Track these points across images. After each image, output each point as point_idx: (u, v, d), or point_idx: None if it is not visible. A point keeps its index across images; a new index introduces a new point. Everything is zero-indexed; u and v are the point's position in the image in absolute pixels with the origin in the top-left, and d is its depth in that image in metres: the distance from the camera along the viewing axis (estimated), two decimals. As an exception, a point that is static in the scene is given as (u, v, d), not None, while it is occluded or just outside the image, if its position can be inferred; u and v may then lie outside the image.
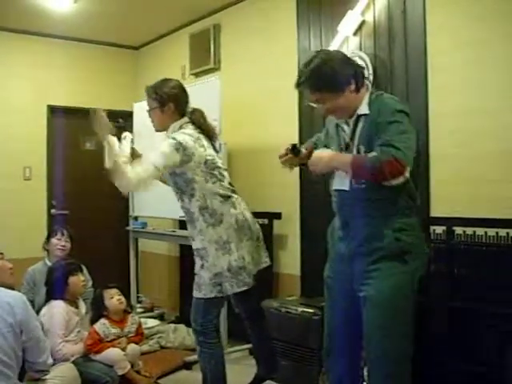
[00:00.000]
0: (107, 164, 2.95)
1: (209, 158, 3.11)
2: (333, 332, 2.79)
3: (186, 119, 3.20)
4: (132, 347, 3.94)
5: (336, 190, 2.69)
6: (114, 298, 3.92)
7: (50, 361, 3.15)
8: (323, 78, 2.51)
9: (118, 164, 2.90)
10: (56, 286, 3.87)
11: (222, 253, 3.07)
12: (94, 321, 3.89)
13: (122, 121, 6.52)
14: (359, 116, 2.57)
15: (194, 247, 3.17)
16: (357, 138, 2.57)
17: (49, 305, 3.81)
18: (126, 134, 3.21)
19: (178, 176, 3.09)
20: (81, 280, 3.95)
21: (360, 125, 2.57)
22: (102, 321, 3.86)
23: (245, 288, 3.14)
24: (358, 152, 2.56)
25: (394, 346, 2.50)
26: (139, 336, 4.08)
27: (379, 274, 2.52)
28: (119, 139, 3.10)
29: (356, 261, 2.61)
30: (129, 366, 3.80)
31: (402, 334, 2.52)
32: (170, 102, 3.16)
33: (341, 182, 2.63)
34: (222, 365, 3.23)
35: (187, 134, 3.07)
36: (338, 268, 2.73)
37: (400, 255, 2.53)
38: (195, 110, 3.26)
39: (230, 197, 3.15)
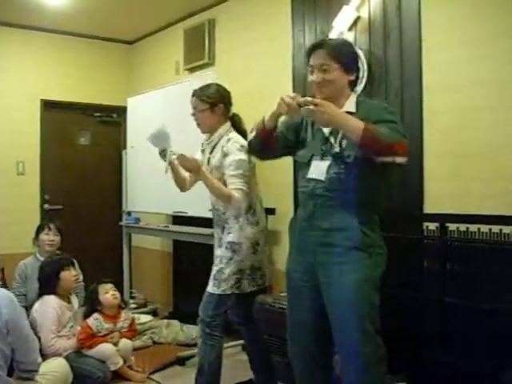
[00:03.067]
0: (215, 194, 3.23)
1: (254, 161, 3.30)
2: (298, 322, 2.76)
3: (229, 123, 3.38)
4: (124, 342, 3.94)
5: (310, 179, 2.66)
6: (108, 293, 3.93)
7: (39, 360, 3.13)
8: (346, 51, 2.62)
9: (220, 190, 3.16)
10: (48, 281, 3.88)
11: (252, 251, 3.28)
12: (87, 315, 3.89)
13: (115, 116, 6.57)
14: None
15: (229, 240, 3.26)
16: (340, 134, 2.57)
17: (41, 300, 3.81)
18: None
19: (248, 182, 3.26)
20: (72, 275, 3.95)
21: None
22: (96, 315, 3.86)
23: (256, 288, 3.35)
24: (340, 145, 2.57)
25: (368, 337, 2.49)
26: (132, 332, 4.08)
27: (346, 267, 2.52)
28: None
29: (320, 252, 2.60)
30: (121, 362, 3.81)
31: (373, 325, 2.51)
32: (220, 103, 3.33)
33: (318, 172, 2.62)
34: (220, 359, 3.33)
35: (242, 138, 3.29)
36: (300, 259, 2.72)
37: (365, 249, 2.54)
38: (235, 115, 3.43)
39: (261, 201, 3.42)
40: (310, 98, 2.48)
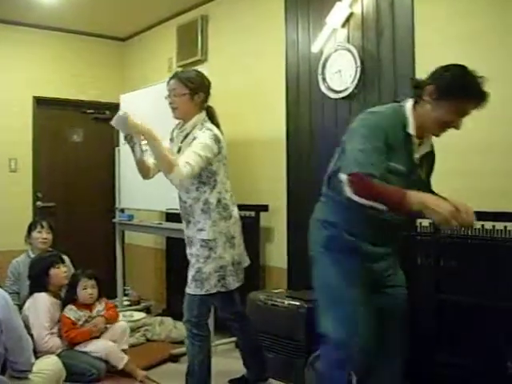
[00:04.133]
0: (153, 158, 3.06)
1: (226, 154, 3.19)
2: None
3: (204, 114, 3.23)
4: (120, 325, 3.96)
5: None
6: (86, 290, 3.91)
7: (33, 360, 3.12)
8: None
9: (166, 157, 2.90)
10: (38, 279, 3.87)
11: (229, 246, 3.17)
12: (65, 304, 3.89)
13: (108, 113, 6.54)
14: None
15: (202, 237, 3.15)
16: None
17: (32, 298, 3.81)
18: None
19: (203, 167, 3.07)
20: (62, 271, 3.94)
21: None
22: (69, 306, 3.87)
23: (240, 284, 3.25)
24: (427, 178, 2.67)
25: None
26: (111, 310, 4.07)
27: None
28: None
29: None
30: (126, 358, 3.79)
31: None
32: (201, 91, 3.19)
33: None
34: (209, 358, 3.28)
35: (216, 129, 3.16)
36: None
37: None
38: (209, 107, 3.30)
39: (232, 194, 3.27)
40: None
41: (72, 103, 6.32)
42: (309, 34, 4.22)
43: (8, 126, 5.86)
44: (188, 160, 2.91)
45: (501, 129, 3.12)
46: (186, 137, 3.18)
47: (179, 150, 3.18)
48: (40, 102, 6.10)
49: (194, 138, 3.07)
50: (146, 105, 5.25)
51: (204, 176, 3.11)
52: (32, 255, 4.31)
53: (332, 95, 4.02)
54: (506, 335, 2.93)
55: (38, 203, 6.09)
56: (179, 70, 3.31)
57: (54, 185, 6.21)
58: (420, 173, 2.59)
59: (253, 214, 4.58)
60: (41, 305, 3.75)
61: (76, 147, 6.49)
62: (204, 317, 3.22)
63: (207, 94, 3.25)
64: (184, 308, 3.24)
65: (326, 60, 4.05)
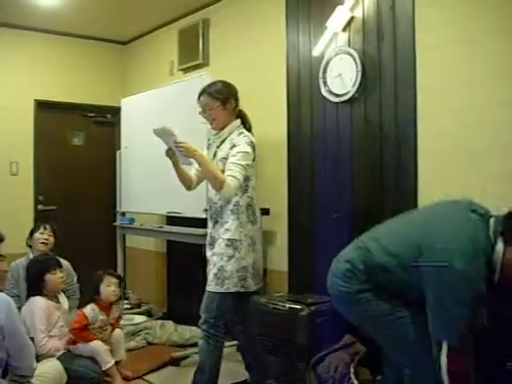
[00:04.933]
0: (203, 175, 3.32)
1: (256, 163, 3.33)
2: None
3: (239, 120, 3.38)
4: (116, 332, 3.96)
5: None
6: (111, 287, 3.91)
7: (35, 365, 3.11)
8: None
9: (215, 176, 3.11)
10: (33, 284, 3.87)
11: (252, 249, 3.29)
12: (88, 301, 3.88)
13: (109, 116, 6.55)
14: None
15: (228, 237, 3.24)
16: None
17: (28, 302, 3.80)
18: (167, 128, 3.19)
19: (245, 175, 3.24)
20: (59, 277, 3.92)
21: None
22: (92, 306, 3.85)
23: (257, 287, 3.37)
24: None
25: None
26: (115, 322, 4.08)
27: None
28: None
29: None
30: (112, 362, 3.78)
31: None
32: (231, 99, 3.35)
33: None
34: (221, 360, 3.33)
35: (250, 134, 3.31)
36: None
37: None
38: (240, 110, 3.44)
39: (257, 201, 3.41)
40: None
41: (73, 106, 6.32)
42: (310, 38, 4.23)
43: (9, 130, 5.86)
44: (234, 174, 3.11)
45: (501, 132, 3.11)
46: (222, 142, 3.33)
47: (215, 155, 3.34)
48: (41, 106, 6.11)
49: (234, 145, 3.23)
50: (147, 108, 5.27)
51: None
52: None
53: (333, 99, 4.02)
54: (504, 337, 2.92)
55: (39, 206, 6.09)
56: (206, 84, 3.46)
57: (55, 188, 6.22)
58: None
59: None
60: (36, 308, 3.73)
61: (77, 151, 6.49)
62: (221, 317, 3.25)
63: (237, 99, 3.41)
64: (202, 309, 3.28)
65: (326, 64, 4.05)
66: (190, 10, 5.52)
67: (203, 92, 3.35)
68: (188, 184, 3.51)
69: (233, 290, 3.20)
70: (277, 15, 4.53)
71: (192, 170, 3.46)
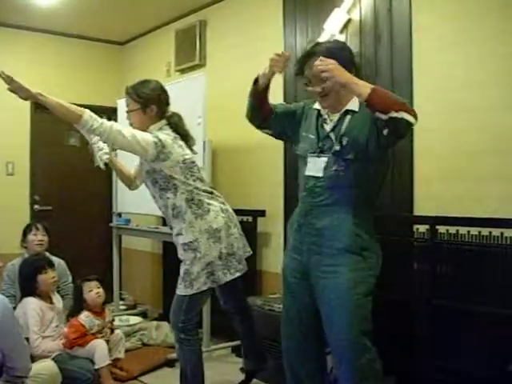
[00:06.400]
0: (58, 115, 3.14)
1: (186, 156, 3.15)
2: (291, 319, 2.77)
3: (164, 122, 3.21)
4: (115, 333, 3.96)
5: (309, 177, 2.67)
6: (92, 291, 3.90)
7: (30, 366, 3.11)
8: (339, 56, 2.50)
9: (69, 108, 3.10)
10: (26, 285, 3.86)
11: (213, 241, 3.11)
12: (74, 313, 3.86)
13: (105, 117, 6.53)
14: (347, 111, 2.59)
15: (183, 241, 3.15)
16: (343, 130, 2.57)
17: (21, 303, 3.79)
18: None
19: (156, 173, 3.11)
20: (50, 277, 3.91)
21: (347, 119, 2.58)
22: (86, 313, 3.84)
23: (237, 275, 3.19)
24: (341, 143, 2.56)
25: (353, 341, 2.50)
26: (111, 323, 4.09)
27: (338, 269, 2.53)
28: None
29: (314, 251, 2.61)
30: (107, 362, 3.77)
31: (361, 328, 2.51)
32: (153, 104, 3.17)
33: (315, 169, 2.63)
34: (201, 361, 3.26)
35: (165, 134, 3.11)
36: (295, 257, 2.73)
37: (358, 251, 2.55)
38: (174, 114, 3.27)
39: (211, 192, 3.24)
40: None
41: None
42: (307, 40, 4.23)
43: (5, 130, 5.86)
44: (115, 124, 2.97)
45: (496, 134, 3.12)
46: None
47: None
48: (38, 106, 6.04)
49: None
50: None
51: (161, 182, 3.13)
52: (28, 258, 4.30)
53: (330, 100, 4.01)
54: (503, 340, 2.93)
55: (35, 207, 6.09)
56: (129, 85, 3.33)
57: (51, 188, 6.21)
58: None
59: (250, 218, 4.58)
60: (29, 310, 3.72)
61: (73, 151, 6.47)
62: (191, 321, 3.17)
63: (162, 105, 3.21)
64: (171, 313, 3.22)
65: (323, 65, 4.05)
66: (187, 11, 5.53)
67: (126, 91, 3.24)
68: (128, 183, 3.45)
69: (204, 288, 3.11)
70: (274, 17, 4.54)
71: (132, 169, 3.34)
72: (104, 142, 3.15)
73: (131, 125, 3.22)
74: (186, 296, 3.13)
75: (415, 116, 2.35)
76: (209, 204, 3.16)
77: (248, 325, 3.53)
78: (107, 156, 3.34)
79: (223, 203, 3.27)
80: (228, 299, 3.45)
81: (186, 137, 3.24)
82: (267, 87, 2.73)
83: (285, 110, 2.87)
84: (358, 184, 2.54)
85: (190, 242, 3.12)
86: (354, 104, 2.59)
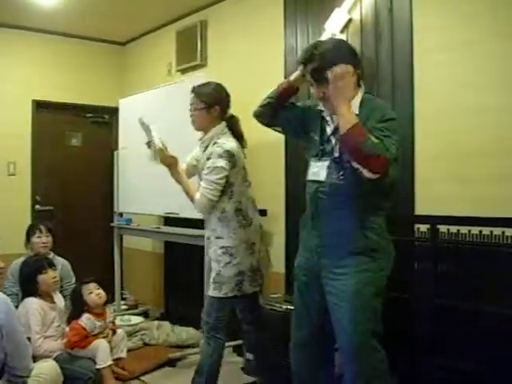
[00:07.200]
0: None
1: (245, 164, 3.32)
2: (300, 319, 2.80)
3: (224, 124, 3.35)
4: (118, 333, 3.97)
5: (311, 181, 2.69)
6: (92, 293, 3.91)
7: (31, 366, 3.11)
8: (333, 60, 2.50)
9: (188, 191, 3.22)
10: (27, 285, 3.87)
11: (250, 253, 3.29)
12: (74, 316, 3.87)
13: (107, 117, 6.55)
14: None
15: (223, 245, 3.27)
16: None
17: (23, 303, 3.79)
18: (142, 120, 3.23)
19: (221, 187, 3.22)
20: (51, 277, 3.92)
21: None
22: (87, 315, 3.85)
23: (257, 289, 3.37)
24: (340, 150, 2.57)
25: (363, 342, 2.51)
26: (113, 323, 4.09)
27: (347, 270, 2.54)
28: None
29: (323, 254, 2.63)
30: (109, 362, 3.77)
31: (370, 330, 2.53)
32: (217, 105, 3.32)
33: (317, 173, 2.64)
34: (220, 362, 3.35)
35: (232, 142, 3.27)
36: (307, 257, 2.74)
37: (367, 252, 2.55)
38: (232, 117, 3.42)
39: (254, 201, 3.40)
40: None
41: (71, 107, 6.32)
42: (308, 40, 4.23)
43: (7, 130, 5.85)
44: (202, 191, 3.14)
45: (497, 134, 3.12)
46: (205, 149, 3.32)
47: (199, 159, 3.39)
48: (39, 106, 6.11)
49: (208, 157, 3.22)
50: (144, 109, 5.26)
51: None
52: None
53: (331, 100, 4.02)
54: (504, 339, 2.93)
55: (37, 207, 6.09)
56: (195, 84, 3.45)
57: (52, 188, 6.21)
58: None
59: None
60: (30, 309, 3.73)
61: (75, 151, 6.49)
62: (221, 320, 3.29)
63: (224, 106, 3.37)
64: (203, 310, 3.34)
65: (324, 65, 4.05)
66: (188, 11, 5.53)
67: (192, 90, 3.37)
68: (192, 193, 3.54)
69: (231, 294, 3.24)
70: (275, 17, 4.54)
71: (184, 165, 3.45)
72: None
73: (193, 122, 3.36)
74: (215, 298, 3.25)
75: (379, 170, 2.37)
76: (252, 218, 3.33)
77: (256, 337, 3.58)
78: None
79: (259, 217, 3.45)
80: (246, 309, 3.52)
81: (240, 138, 3.38)
82: (297, 89, 2.77)
83: (298, 109, 2.89)
84: (361, 194, 2.52)
85: (230, 246, 3.25)
86: (354, 107, 2.57)
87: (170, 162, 3.20)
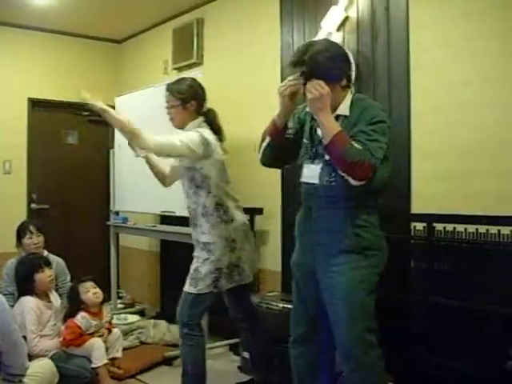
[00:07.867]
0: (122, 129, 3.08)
1: (223, 159, 3.28)
2: (302, 318, 2.80)
3: (202, 118, 3.32)
4: (113, 332, 3.96)
5: (303, 183, 2.72)
6: (89, 292, 3.90)
7: (27, 365, 3.10)
8: (322, 64, 2.50)
9: (132, 129, 3.00)
10: (23, 284, 3.86)
11: (229, 249, 3.23)
12: (70, 315, 3.86)
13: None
14: (337, 116, 2.58)
15: (202, 240, 3.25)
16: None
17: (18, 302, 3.79)
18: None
19: (196, 171, 3.20)
20: (47, 275, 3.91)
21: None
22: (82, 314, 3.84)
23: (233, 285, 3.27)
24: None
25: (359, 338, 2.52)
26: (110, 324, 4.09)
27: (340, 268, 2.55)
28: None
29: (318, 252, 2.64)
30: (105, 361, 3.77)
31: (365, 326, 2.53)
32: (192, 100, 3.28)
33: (310, 176, 2.66)
34: (203, 358, 3.29)
35: (209, 134, 3.23)
36: (303, 256, 2.76)
37: (359, 250, 2.56)
38: (210, 110, 3.40)
39: (237, 200, 3.35)
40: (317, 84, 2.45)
41: (67, 105, 6.29)
42: (304, 38, 4.22)
43: (3, 128, 5.84)
44: (181, 138, 3.05)
45: (493, 132, 3.12)
46: None
47: None
48: (35, 104, 6.10)
49: None
50: (141, 107, 5.25)
51: (198, 180, 3.21)
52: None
53: (327, 98, 4.01)
54: (500, 338, 2.93)
55: (33, 205, 6.08)
56: (174, 77, 3.37)
57: (48, 187, 6.20)
58: None
59: (247, 216, 4.56)
60: (27, 309, 3.72)
61: (71, 149, 6.47)
62: (196, 317, 3.24)
63: (200, 100, 3.34)
64: (177, 308, 3.29)
65: (321, 63, 4.04)
66: (184, 10, 5.52)
67: (166, 88, 3.34)
68: (161, 179, 3.57)
69: (205, 291, 3.19)
70: (271, 15, 4.53)
71: (167, 167, 3.47)
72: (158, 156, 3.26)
73: (171, 120, 3.33)
74: (191, 294, 3.21)
75: (364, 177, 2.40)
76: (234, 214, 3.28)
77: (255, 333, 3.54)
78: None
79: (246, 218, 3.41)
80: (233, 305, 3.50)
81: (219, 132, 3.34)
82: (286, 125, 2.73)
83: (296, 137, 2.82)
84: (352, 195, 2.53)
85: (208, 242, 3.22)
86: (344, 108, 2.59)
87: (100, 109, 3.21)
